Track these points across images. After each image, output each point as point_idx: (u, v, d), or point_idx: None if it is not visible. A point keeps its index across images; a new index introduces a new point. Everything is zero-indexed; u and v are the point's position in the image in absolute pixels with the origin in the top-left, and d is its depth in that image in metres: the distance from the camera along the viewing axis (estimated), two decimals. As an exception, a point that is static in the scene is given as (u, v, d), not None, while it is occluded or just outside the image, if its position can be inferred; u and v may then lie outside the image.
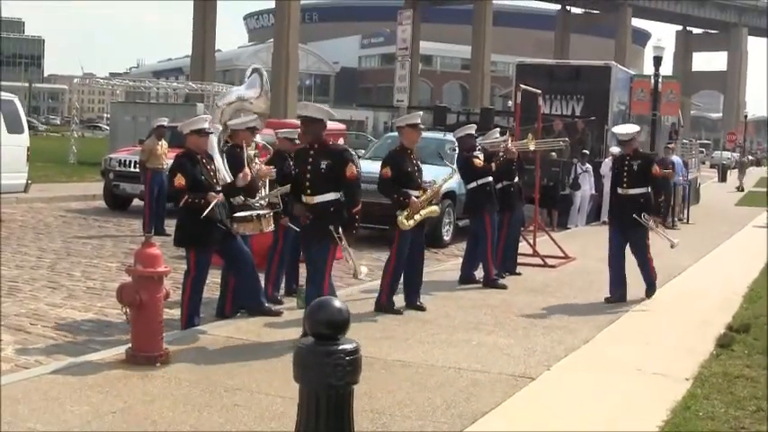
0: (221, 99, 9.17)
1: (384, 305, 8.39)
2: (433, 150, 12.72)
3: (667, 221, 18.32)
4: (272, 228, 7.92)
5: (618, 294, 9.51)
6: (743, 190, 35.60)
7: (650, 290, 9.72)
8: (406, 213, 8.33)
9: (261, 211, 7.67)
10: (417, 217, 8.39)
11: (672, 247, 9.96)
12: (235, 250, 7.46)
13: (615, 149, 19.03)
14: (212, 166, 7.48)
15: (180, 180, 7.12)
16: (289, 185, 7.71)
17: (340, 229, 6.99)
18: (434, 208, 8.69)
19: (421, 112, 9.85)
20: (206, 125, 7.43)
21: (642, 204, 9.50)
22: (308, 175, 7.08)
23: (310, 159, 7.09)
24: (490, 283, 10.08)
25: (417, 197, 8.36)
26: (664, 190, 18.59)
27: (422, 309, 8.53)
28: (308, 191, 7.10)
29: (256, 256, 8.66)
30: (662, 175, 9.87)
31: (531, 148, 10.90)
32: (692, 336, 7.97)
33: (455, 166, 9.72)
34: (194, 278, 7.38)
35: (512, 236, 11.01)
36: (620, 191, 9.67)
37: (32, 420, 4.95)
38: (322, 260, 7.07)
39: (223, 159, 7.91)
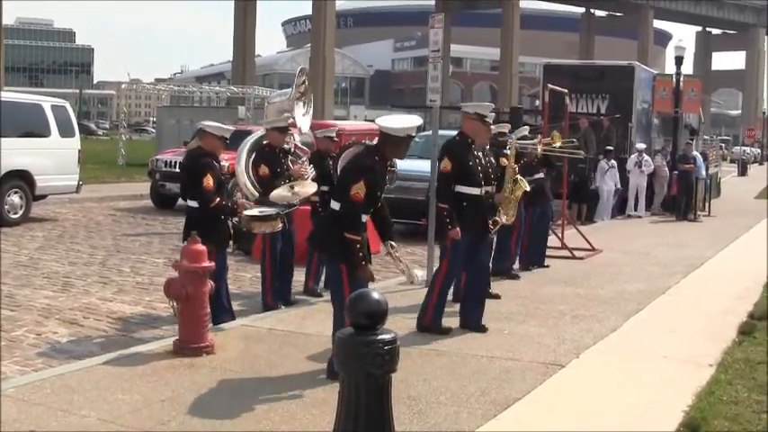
0: (269, 100, 9.36)
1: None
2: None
3: (689, 215, 18.50)
4: (280, 227, 7.88)
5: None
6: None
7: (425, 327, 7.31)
8: (502, 211, 8.36)
9: (273, 211, 7.72)
10: (512, 206, 8.46)
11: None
12: None
13: (641, 145, 19.31)
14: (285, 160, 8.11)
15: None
16: (315, 185, 7.94)
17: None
18: (521, 183, 8.70)
19: (493, 114, 9.91)
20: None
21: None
22: None
23: None
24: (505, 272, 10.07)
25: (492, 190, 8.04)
26: (683, 184, 18.80)
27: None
28: None
29: (298, 251, 8.92)
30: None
31: (557, 144, 11.01)
32: (715, 324, 8.05)
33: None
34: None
35: (541, 230, 11.17)
36: (475, 192, 7.41)
37: (86, 408, 5.11)
38: None
39: (249, 158, 8.07)
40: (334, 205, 5.89)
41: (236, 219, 7.66)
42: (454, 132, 8.10)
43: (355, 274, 5.72)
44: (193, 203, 7.30)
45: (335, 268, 5.94)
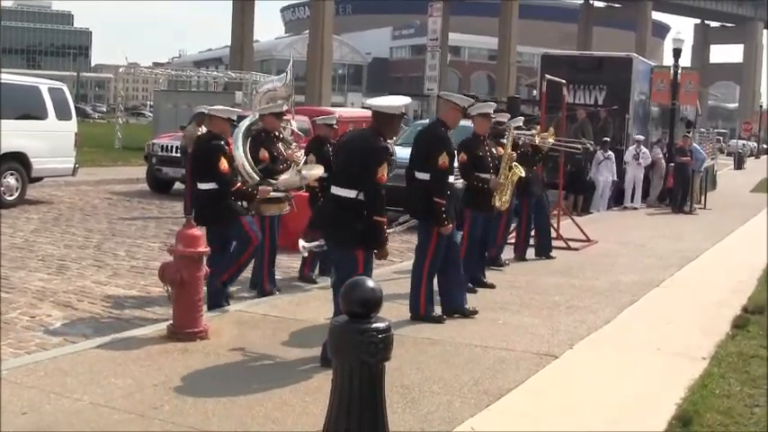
0: (260, 87, 9.46)
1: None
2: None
3: (685, 207, 18.53)
4: (288, 209, 8.16)
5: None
6: None
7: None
8: (497, 196, 8.55)
9: (282, 193, 7.94)
10: (508, 192, 8.69)
11: None
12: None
13: (639, 137, 19.34)
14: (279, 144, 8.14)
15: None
16: (322, 168, 7.96)
17: None
18: (516, 170, 8.81)
19: (494, 104, 9.91)
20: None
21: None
22: None
23: None
24: (491, 261, 10.03)
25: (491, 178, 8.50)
26: (680, 176, 18.86)
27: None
28: None
29: (292, 238, 8.90)
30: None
31: (551, 141, 11.02)
32: (709, 316, 8.05)
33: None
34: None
35: (542, 222, 11.17)
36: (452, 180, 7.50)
37: (79, 391, 5.11)
38: None
39: (246, 143, 8.05)
40: (348, 192, 5.85)
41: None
42: None
43: (380, 254, 5.98)
44: (204, 186, 7.39)
45: (351, 255, 5.89)
